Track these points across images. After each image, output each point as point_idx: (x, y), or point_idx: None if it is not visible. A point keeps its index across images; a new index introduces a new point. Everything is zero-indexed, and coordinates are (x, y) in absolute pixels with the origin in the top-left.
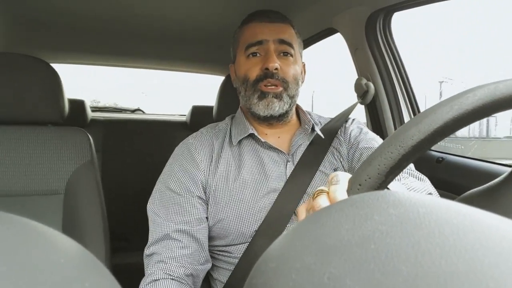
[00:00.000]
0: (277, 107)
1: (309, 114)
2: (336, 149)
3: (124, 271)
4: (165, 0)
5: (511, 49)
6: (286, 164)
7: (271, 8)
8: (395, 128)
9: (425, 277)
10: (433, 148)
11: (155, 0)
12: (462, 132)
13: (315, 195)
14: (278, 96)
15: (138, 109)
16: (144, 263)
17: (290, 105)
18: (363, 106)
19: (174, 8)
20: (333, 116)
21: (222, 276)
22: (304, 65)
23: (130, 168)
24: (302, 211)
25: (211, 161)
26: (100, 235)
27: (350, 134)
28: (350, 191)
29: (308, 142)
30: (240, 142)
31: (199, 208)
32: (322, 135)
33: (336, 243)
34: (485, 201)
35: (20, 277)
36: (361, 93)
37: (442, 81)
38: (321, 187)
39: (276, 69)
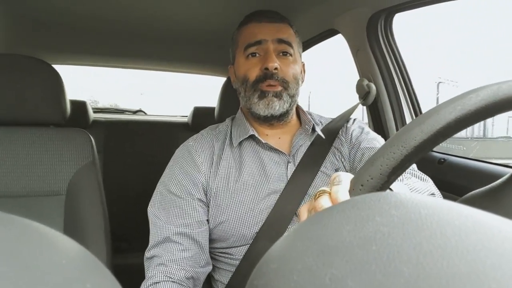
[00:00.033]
0: (278, 106)
1: (310, 115)
2: (337, 149)
3: (125, 272)
4: (166, 0)
5: (509, 50)
6: (287, 165)
7: (272, 8)
8: (397, 129)
9: (426, 279)
10: (435, 149)
11: (156, 0)
12: (461, 133)
13: (317, 196)
14: (278, 95)
15: (140, 110)
16: (145, 266)
17: (291, 104)
18: (364, 107)
19: (175, 9)
20: (332, 117)
21: (223, 277)
22: (303, 65)
23: (131, 169)
24: (303, 211)
25: (212, 163)
26: (101, 236)
27: (351, 134)
28: (352, 191)
29: (309, 143)
30: (240, 143)
31: (199, 210)
32: (322, 135)
33: (338, 244)
34: (487, 202)
35: (21, 278)
36: (363, 94)
37: (440, 82)
38: (323, 188)
39: (276, 68)
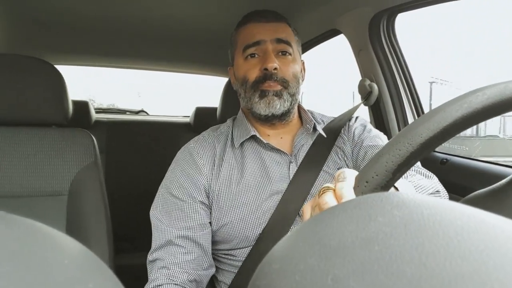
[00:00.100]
0: (278, 105)
1: (312, 113)
2: (340, 148)
3: (128, 272)
4: (168, 1)
5: (505, 51)
6: (289, 165)
7: (274, 8)
8: (399, 130)
9: (429, 279)
10: (437, 149)
11: (157, 1)
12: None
13: (321, 192)
14: (279, 94)
15: (142, 111)
16: (148, 269)
17: (291, 102)
18: (366, 107)
19: (176, 8)
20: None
21: (226, 278)
22: (303, 63)
23: (133, 169)
24: (307, 208)
25: (214, 165)
26: (103, 236)
27: (353, 132)
28: (357, 188)
29: (311, 142)
30: (242, 144)
31: (202, 213)
32: (324, 134)
33: (340, 244)
34: (490, 203)
35: (24, 277)
36: (365, 94)
37: (433, 82)
38: (327, 184)
39: (275, 69)
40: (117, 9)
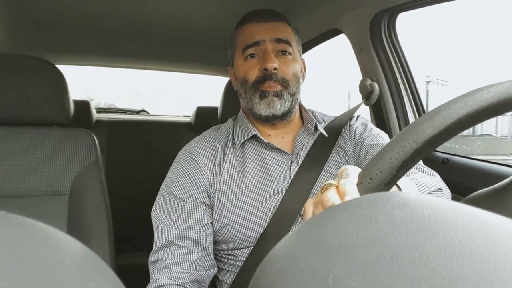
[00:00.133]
0: (279, 106)
1: (313, 113)
2: (341, 147)
3: (128, 272)
4: (169, 0)
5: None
6: (290, 165)
7: (276, 8)
8: (400, 129)
9: (430, 279)
10: (438, 149)
11: (158, 1)
12: None
13: (324, 189)
14: (279, 95)
15: (143, 110)
16: (149, 269)
17: (292, 102)
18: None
19: (177, 9)
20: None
21: (227, 278)
22: (303, 62)
23: (134, 169)
24: (309, 206)
25: (215, 165)
26: (104, 236)
27: (355, 131)
28: (360, 184)
29: (312, 142)
30: (243, 144)
31: (203, 213)
32: (325, 133)
33: (341, 244)
34: (492, 203)
35: (25, 277)
36: (366, 93)
37: (429, 81)
38: (329, 181)
39: (275, 69)
40: (118, 9)
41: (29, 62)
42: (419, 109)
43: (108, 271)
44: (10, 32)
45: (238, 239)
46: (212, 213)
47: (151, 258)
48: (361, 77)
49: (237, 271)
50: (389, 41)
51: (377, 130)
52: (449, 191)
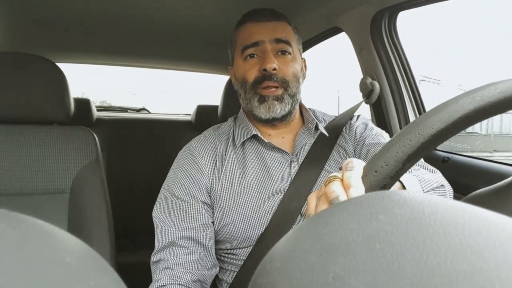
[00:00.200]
0: (279, 109)
1: (313, 112)
2: (341, 147)
3: (129, 270)
4: None
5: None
6: (291, 165)
7: (276, 6)
8: (401, 128)
9: (430, 277)
10: (439, 147)
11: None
12: None
13: (328, 181)
14: (279, 99)
15: (143, 109)
16: (151, 269)
17: (292, 104)
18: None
19: (178, 6)
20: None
21: (227, 277)
22: (304, 61)
23: (135, 167)
24: (312, 199)
25: (215, 164)
26: (105, 234)
27: (355, 131)
28: (365, 177)
29: (313, 141)
30: (243, 143)
31: (204, 213)
32: (326, 133)
33: (341, 242)
34: (493, 201)
35: (26, 275)
36: (366, 92)
37: (422, 80)
38: (334, 173)
39: (275, 69)
40: (118, 7)
41: (29, 61)
42: (420, 107)
43: (109, 269)
44: (10, 30)
45: (238, 238)
46: (213, 212)
47: (153, 258)
48: (360, 76)
49: (238, 270)
50: (390, 39)
51: (377, 130)
52: (451, 188)
